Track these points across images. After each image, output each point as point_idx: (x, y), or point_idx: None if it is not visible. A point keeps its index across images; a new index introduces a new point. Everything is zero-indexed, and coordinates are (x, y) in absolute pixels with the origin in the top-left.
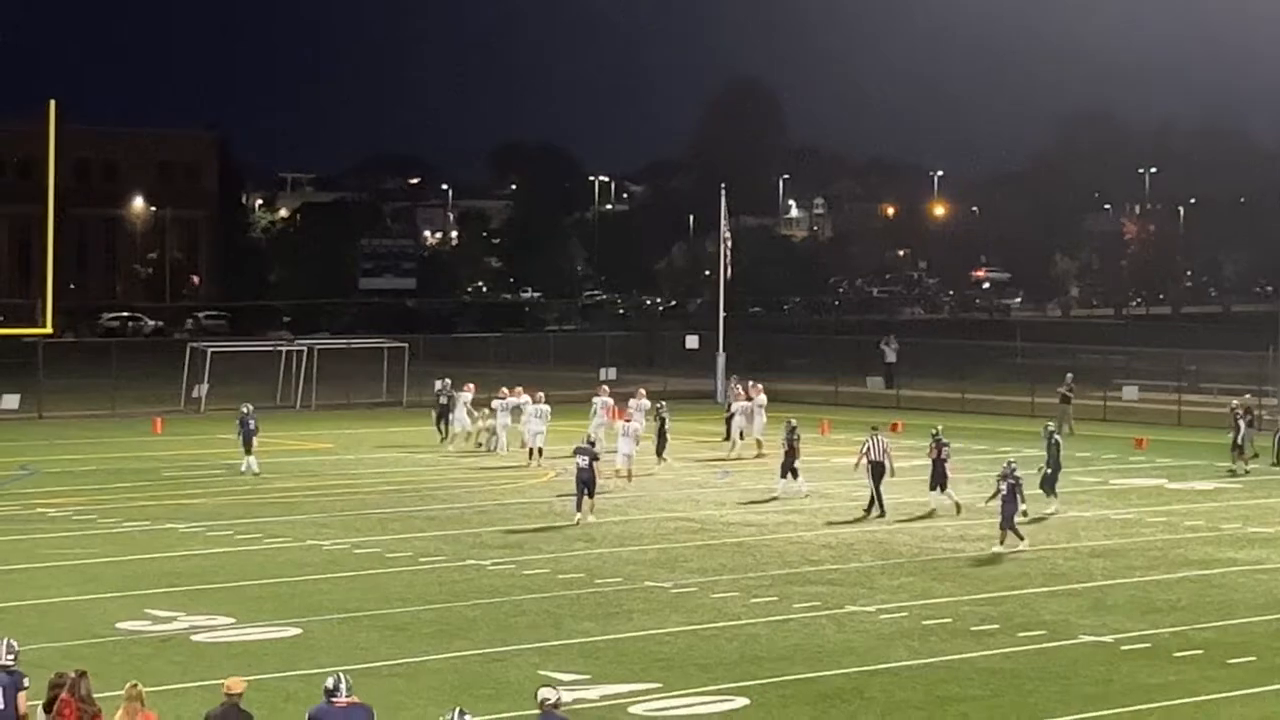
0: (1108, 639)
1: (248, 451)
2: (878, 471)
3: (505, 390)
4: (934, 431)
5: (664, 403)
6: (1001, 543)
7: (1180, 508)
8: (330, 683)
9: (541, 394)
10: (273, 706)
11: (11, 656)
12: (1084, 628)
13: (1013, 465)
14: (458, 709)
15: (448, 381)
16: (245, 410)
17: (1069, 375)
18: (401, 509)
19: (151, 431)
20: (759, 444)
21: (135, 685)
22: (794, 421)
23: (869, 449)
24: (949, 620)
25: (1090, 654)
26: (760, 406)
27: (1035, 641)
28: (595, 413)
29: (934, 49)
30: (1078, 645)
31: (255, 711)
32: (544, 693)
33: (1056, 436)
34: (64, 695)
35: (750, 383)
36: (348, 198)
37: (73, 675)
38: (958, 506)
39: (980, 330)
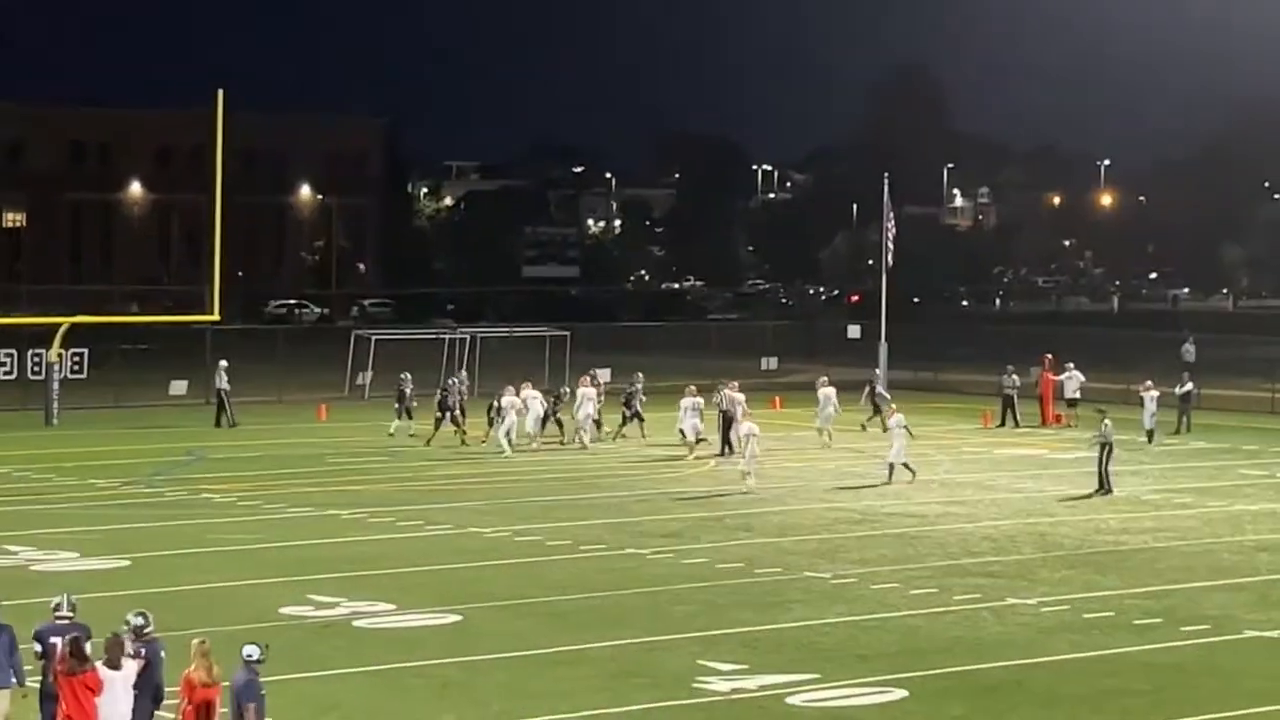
0: (1273, 634)
1: (409, 416)
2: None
3: (580, 379)
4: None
5: (640, 374)
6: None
7: None
8: (54, 602)
9: (693, 386)
10: (432, 692)
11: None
12: (1249, 623)
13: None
14: (134, 610)
15: (453, 380)
16: (403, 377)
17: (1185, 374)
18: (563, 497)
19: (316, 418)
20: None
21: (204, 641)
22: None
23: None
24: (1111, 614)
25: (1255, 649)
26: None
27: (1199, 636)
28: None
29: (1100, 35)
30: (1242, 640)
31: (415, 697)
32: (247, 649)
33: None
34: (61, 650)
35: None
36: (512, 186)
37: (112, 636)
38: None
39: (1145, 321)
